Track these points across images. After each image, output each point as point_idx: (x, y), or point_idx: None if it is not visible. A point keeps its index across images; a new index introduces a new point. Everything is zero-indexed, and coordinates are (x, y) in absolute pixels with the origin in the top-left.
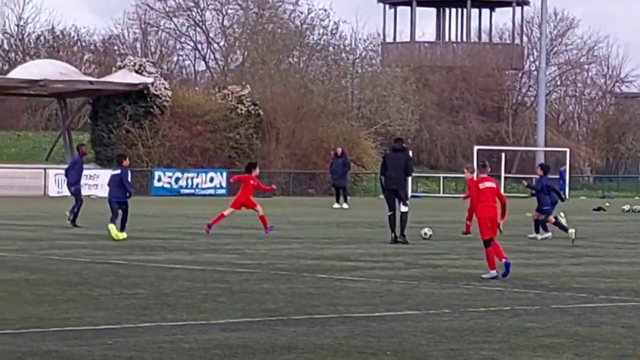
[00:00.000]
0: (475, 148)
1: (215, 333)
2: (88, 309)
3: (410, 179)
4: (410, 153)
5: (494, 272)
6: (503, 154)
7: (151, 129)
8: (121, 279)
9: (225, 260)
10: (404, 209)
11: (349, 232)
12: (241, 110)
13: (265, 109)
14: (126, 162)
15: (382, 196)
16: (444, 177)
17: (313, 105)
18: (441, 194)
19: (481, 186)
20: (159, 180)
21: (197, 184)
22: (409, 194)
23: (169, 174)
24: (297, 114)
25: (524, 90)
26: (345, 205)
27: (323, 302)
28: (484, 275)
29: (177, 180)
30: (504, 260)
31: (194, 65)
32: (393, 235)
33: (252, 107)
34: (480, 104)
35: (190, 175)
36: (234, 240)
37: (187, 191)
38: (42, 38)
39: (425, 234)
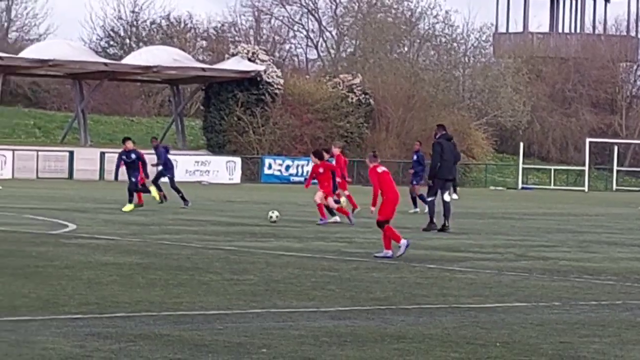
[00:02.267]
0: (588, 140)
1: (325, 321)
2: (199, 294)
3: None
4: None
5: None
6: (616, 147)
7: (262, 116)
8: (232, 265)
9: (334, 248)
10: (447, 198)
11: (458, 222)
12: (352, 99)
13: (375, 98)
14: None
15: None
16: (554, 170)
17: (423, 94)
18: (552, 186)
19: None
20: (269, 167)
21: (307, 172)
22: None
23: (279, 161)
24: (408, 104)
25: (638, 83)
26: (454, 196)
27: (432, 292)
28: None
29: (287, 167)
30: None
31: (305, 54)
32: (432, 222)
33: (363, 96)
34: (593, 96)
35: (300, 163)
36: (343, 229)
37: (296, 179)
38: (156, 25)
39: (271, 217)
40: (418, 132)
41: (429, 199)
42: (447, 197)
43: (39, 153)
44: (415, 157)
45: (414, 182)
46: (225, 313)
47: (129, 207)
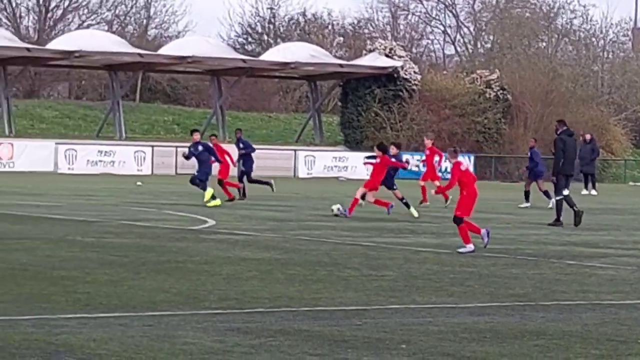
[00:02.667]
0: None
1: (464, 316)
2: (338, 290)
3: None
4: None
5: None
6: None
7: (399, 112)
8: (370, 261)
9: (473, 244)
10: (566, 192)
11: (598, 218)
12: (489, 94)
13: (513, 93)
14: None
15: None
16: None
17: (562, 90)
18: None
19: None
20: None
21: (445, 168)
22: None
23: (417, 157)
24: (546, 99)
25: None
26: (593, 192)
27: (571, 289)
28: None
29: (424, 164)
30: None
31: (442, 49)
32: (578, 211)
33: (501, 91)
34: None
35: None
36: (481, 225)
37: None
38: (293, 21)
39: (332, 210)
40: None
41: (557, 198)
42: (566, 192)
43: (178, 149)
44: (530, 154)
45: (533, 178)
46: (364, 309)
47: (210, 200)
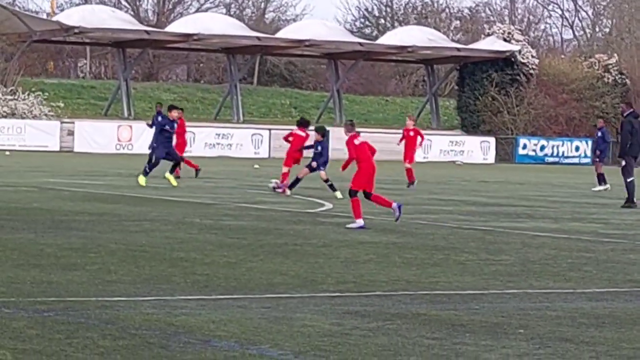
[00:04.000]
0: None
1: (582, 302)
2: (455, 274)
3: None
4: None
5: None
6: None
7: (517, 96)
8: (487, 245)
9: (591, 229)
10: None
11: None
12: (607, 79)
13: (632, 78)
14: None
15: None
16: None
17: None
18: None
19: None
20: (524, 147)
21: (562, 153)
22: None
23: (534, 141)
24: None
25: None
26: None
27: None
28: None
29: (542, 148)
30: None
31: (560, 34)
32: (632, 200)
33: (619, 76)
34: None
35: (555, 143)
36: (599, 210)
37: (551, 159)
38: (411, 5)
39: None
40: None
41: (629, 179)
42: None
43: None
44: (599, 134)
45: (597, 160)
46: (482, 293)
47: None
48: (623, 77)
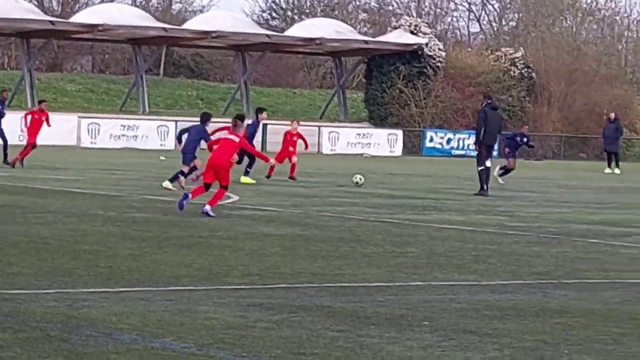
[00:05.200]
0: None
1: (486, 294)
2: (360, 266)
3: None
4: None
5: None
6: None
7: (424, 89)
8: (393, 238)
9: (496, 222)
10: (488, 164)
11: (621, 197)
12: (514, 72)
13: (537, 71)
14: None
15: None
16: None
17: (586, 68)
18: None
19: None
20: (431, 140)
21: (469, 145)
22: None
23: (440, 134)
24: (570, 78)
25: None
26: (617, 171)
27: (594, 267)
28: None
29: (448, 140)
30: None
31: (467, 27)
32: (484, 188)
33: (525, 69)
34: None
35: (462, 136)
36: (505, 203)
37: (458, 152)
38: None
39: (357, 182)
40: (580, 106)
41: (480, 168)
42: (488, 163)
43: None
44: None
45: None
46: (387, 285)
47: None
48: (529, 70)
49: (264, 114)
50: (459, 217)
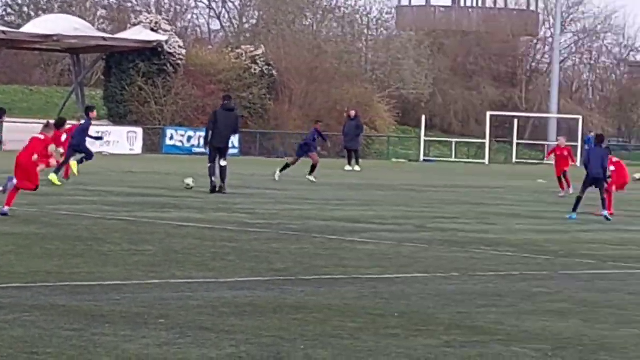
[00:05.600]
0: (488, 114)
1: (224, 291)
2: (97, 265)
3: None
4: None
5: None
6: (516, 120)
7: (164, 87)
8: (131, 236)
9: (236, 219)
10: (223, 163)
11: (360, 194)
12: (255, 70)
13: (278, 69)
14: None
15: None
16: (456, 142)
17: (326, 66)
18: (453, 159)
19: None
20: (171, 138)
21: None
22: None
23: (181, 132)
24: (311, 75)
25: (538, 57)
26: (357, 168)
27: (332, 263)
28: None
29: (189, 138)
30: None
31: (208, 24)
32: (214, 183)
33: (266, 67)
34: (494, 69)
35: (203, 134)
36: (245, 200)
37: (199, 150)
38: None
39: (188, 184)
40: (321, 104)
41: (209, 164)
42: (223, 162)
43: None
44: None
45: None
46: (124, 283)
47: None
48: (270, 68)
49: (94, 112)
50: (198, 215)
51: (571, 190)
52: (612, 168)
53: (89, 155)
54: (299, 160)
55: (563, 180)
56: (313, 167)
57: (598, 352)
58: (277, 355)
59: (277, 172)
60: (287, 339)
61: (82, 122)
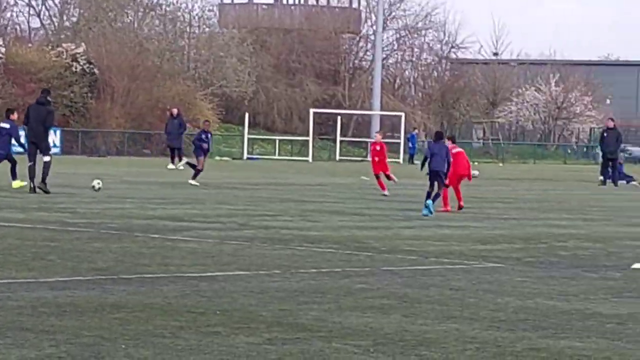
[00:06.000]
0: (312, 111)
1: (44, 291)
2: None
3: (50, 131)
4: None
5: None
6: (339, 118)
7: None
8: None
9: (57, 218)
10: (46, 159)
11: (183, 192)
12: (76, 68)
13: (100, 67)
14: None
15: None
16: (280, 140)
17: (148, 64)
18: (277, 156)
19: None
20: None
21: None
22: (50, 145)
23: None
24: (132, 73)
25: (361, 55)
26: (180, 166)
27: (154, 262)
28: None
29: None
30: None
31: (28, 22)
32: (32, 184)
33: (87, 65)
34: (317, 67)
35: (22, 133)
36: (67, 199)
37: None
38: None
39: (94, 186)
40: (143, 102)
41: (29, 163)
42: (46, 158)
43: None
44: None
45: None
46: None
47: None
48: (91, 66)
49: (15, 114)
50: (19, 214)
51: (386, 193)
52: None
53: None
54: (202, 160)
55: (382, 179)
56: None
57: (418, 347)
58: (97, 354)
59: (191, 181)
60: (108, 338)
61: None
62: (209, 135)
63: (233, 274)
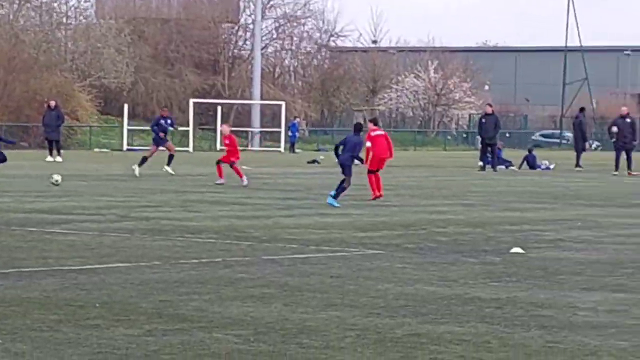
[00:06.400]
0: (192, 101)
1: None
2: None
3: None
4: None
5: None
6: (219, 107)
7: None
8: None
9: None
10: (55, 159)
11: (62, 185)
12: None
13: None
14: None
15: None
16: None
17: (25, 56)
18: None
19: None
20: None
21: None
22: None
23: None
24: (9, 65)
25: (240, 44)
26: (58, 159)
27: (32, 256)
28: None
29: None
30: None
31: None
32: None
33: None
34: (196, 57)
35: None
36: None
37: None
38: None
39: (56, 180)
40: (20, 94)
41: None
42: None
43: None
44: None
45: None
46: None
47: None
48: None
49: None
50: None
51: (245, 182)
52: (368, 144)
53: None
54: (156, 150)
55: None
56: (170, 157)
57: (299, 336)
58: None
59: (136, 167)
60: None
61: None
62: (168, 121)
63: (113, 266)
